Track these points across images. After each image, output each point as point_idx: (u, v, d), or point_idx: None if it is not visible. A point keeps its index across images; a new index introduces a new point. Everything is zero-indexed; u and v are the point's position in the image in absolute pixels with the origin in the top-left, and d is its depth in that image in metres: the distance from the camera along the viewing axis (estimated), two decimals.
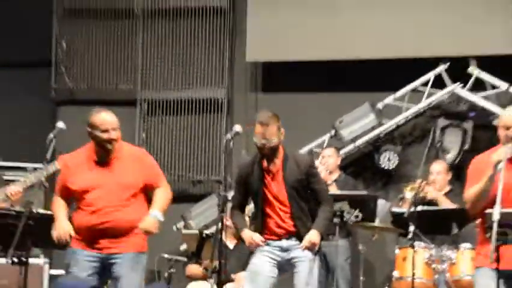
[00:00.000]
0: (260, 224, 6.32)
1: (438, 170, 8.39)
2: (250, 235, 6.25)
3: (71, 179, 6.12)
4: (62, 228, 6.04)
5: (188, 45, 10.26)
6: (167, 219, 8.68)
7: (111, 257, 6.05)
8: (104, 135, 6.01)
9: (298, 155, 6.52)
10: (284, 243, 6.26)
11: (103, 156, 6.08)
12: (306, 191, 6.29)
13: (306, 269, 6.23)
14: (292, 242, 6.24)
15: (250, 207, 6.79)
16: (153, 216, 5.98)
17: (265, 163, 6.23)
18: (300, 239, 6.22)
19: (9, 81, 10.56)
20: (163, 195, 6.13)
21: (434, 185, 8.23)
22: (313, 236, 6.19)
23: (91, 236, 6.06)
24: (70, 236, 6.05)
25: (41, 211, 6.68)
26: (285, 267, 6.32)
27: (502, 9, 9.20)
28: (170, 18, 10.33)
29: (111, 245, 6.03)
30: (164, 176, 6.30)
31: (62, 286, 2.83)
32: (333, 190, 7.98)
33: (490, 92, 9.26)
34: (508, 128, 5.62)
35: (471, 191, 5.82)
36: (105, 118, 6.01)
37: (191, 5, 10.27)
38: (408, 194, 7.88)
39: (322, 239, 6.45)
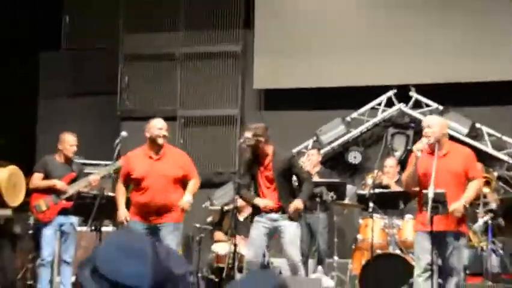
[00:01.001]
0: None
1: (390, 164, 8.37)
2: (262, 201, 6.26)
3: (132, 169, 6.17)
4: (121, 215, 6.11)
5: (213, 78, 10.20)
6: (199, 199, 8.80)
7: (157, 226, 6.11)
8: (157, 132, 6.09)
9: (282, 152, 6.51)
10: (273, 215, 6.27)
11: (155, 152, 6.13)
12: (290, 177, 6.32)
13: (291, 233, 6.22)
14: (279, 214, 6.26)
15: None
16: (186, 199, 6.07)
17: (259, 157, 6.30)
18: (284, 212, 6.23)
19: (89, 104, 10.59)
20: (194, 184, 6.20)
21: (387, 175, 8.23)
22: (297, 203, 6.20)
23: (143, 211, 6.10)
24: (127, 220, 6.11)
25: (110, 194, 6.68)
26: (275, 233, 6.34)
27: (432, 46, 9.14)
28: (200, 59, 10.28)
29: (157, 217, 6.09)
30: (196, 170, 6.34)
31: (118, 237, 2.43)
32: (316, 178, 7.91)
33: (424, 109, 9.20)
34: (426, 127, 5.65)
35: (404, 174, 5.86)
36: (159, 121, 6.21)
37: (215, 50, 10.22)
38: (369, 180, 7.87)
39: (305, 207, 6.47)
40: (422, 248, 5.59)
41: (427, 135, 5.56)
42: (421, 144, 5.52)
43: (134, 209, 6.15)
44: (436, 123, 5.63)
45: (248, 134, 6.38)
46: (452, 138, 8.68)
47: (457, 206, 5.46)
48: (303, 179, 6.41)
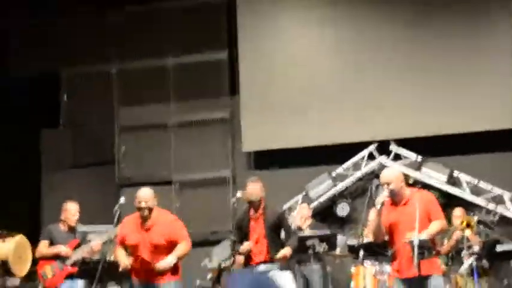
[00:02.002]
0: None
1: (372, 217, 8.35)
2: (243, 247, 6.24)
3: (125, 236, 6.06)
4: (124, 261, 5.97)
5: (204, 143, 10.24)
6: (198, 258, 8.71)
7: (155, 285, 5.98)
8: (137, 204, 5.94)
9: (273, 208, 6.49)
10: (261, 267, 6.21)
11: (144, 221, 5.99)
12: (279, 231, 6.31)
13: (285, 279, 6.16)
14: (269, 265, 6.20)
15: None
16: (167, 260, 5.83)
17: (251, 212, 6.28)
18: (272, 262, 6.19)
19: (89, 174, 10.62)
20: (181, 246, 5.92)
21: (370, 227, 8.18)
22: (285, 250, 6.17)
23: (140, 273, 6.00)
24: (128, 267, 5.99)
25: (112, 259, 6.62)
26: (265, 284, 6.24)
27: (410, 103, 9.27)
28: (191, 126, 10.34)
29: (154, 277, 5.94)
30: (187, 234, 6.05)
31: None
32: (307, 232, 7.87)
33: (404, 160, 9.27)
34: (383, 184, 5.63)
35: (370, 228, 5.81)
36: (139, 194, 5.91)
37: (204, 117, 10.30)
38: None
39: (292, 258, 6.41)
40: None
41: (387, 191, 5.54)
42: (381, 198, 5.51)
43: (133, 271, 6.06)
44: (392, 178, 5.49)
45: (254, 190, 6.32)
46: (431, 186, 8.82)
47: (423, 234, 5.30)
48: (290, 233, 6.40)
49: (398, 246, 5.41)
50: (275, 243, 6.24)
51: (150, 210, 5.89)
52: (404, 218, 5.38)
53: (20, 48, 10.83)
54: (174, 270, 5.97)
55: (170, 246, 5.94)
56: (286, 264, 6.24)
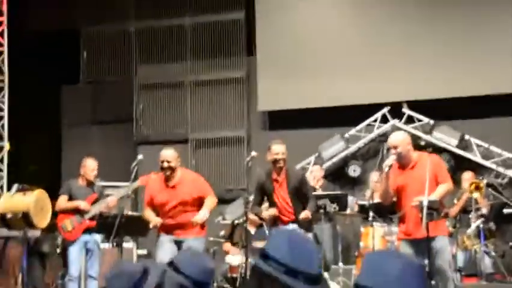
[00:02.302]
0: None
1: (374, 179, 8.32)
2: (269, 212, 6.28)
3: (153, 196, 6.19)
4: (154, 220, 6.10)
5: (220, 102, 10.30)
6: (212, 215, 8.79)
7: (181, 239, 6.12)
8: (160, 164, 6.08)
9: (295, 171, 6.58)
10: (290, 226, 6.25)
11: (169, 180, 6.13)
12: (301, 193, 6.34)
13: None
14: (294, 226, 6.24)
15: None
16: (202, 214, 6.03)
17: (274, 175, 6.27)
18: (299, 224, 6.21)
19: (107, 131, 10.71)
20: (209, 200, 6.15)
21: (375, 188, 8.17)
22: (306, 212, 6.20)
23: (168, 228, 6.12)
24: (157, 225, 6.11)
25: (129, 213, 6.71)
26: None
27: (421, 65, 9.19)
28: (207, 86, 10.39)
29: (180, 232, 6.09)
30: (211, 189, 6.28)
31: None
32: (319, 192, 7.94)
33: (416, 123, 9.24)
34: (391, 147, 5.63)
35: (379, 191, 5.81)
36: (162, 154, 6.09)
37: (221, 77, 10.32)
38: (368, 192, 7.91)
39: (311, 220, 6.46)
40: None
41: (394, 154, 5.54)
42: (389, 161, 5.52)
43: (162, 228, 6.18)
44: (399, 142, 5.51)
45: (281, 153, 6.28)
46: (443, 149, 8.82)
47: (421, 199, 5.34)
48: (309, 197, 6.43)
49: (405, 208, 5.46)
50: (298, 206, 6.28)
51: (173, 170, 6.05)
52: (411, 181, 5.42)
53: (40, 5, 10.81)
54: (200, 226, 6.12)
55: (197, 202, 6.12)
56: (308, 225, 6.28)
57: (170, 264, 2.80)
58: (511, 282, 7.34)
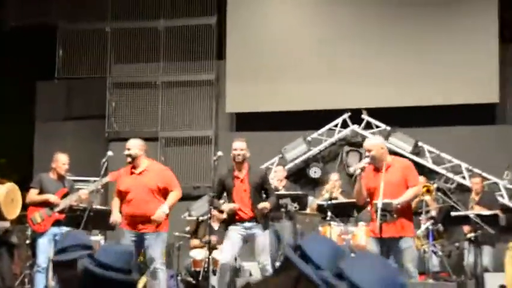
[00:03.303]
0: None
1: (335, 178, 8.36)
2: (229, 205, 6.14)
3: (119, 184, 6.09)
4: (114, 217, 5.99)
5: (190, 103, 10.21)
6: (178, 211, 8.72)
7: (143, 234, 5.98)
8: (126, 152, 6.00)
9: (257, 169, 6.51)
10: (247, 224, 6.15)
11: (134, 167, 6.02)
12: (261, 190, 6.25)
13: (263, 241, 6.14)
14: (253, 223, 6.14)
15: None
16: (161, 209, 5.86)
17: (236, 172, 6.17)
18: (256, 221, 6.11)
19: (80, 127, 10.53)
20: (173, 195, 6.00)
21: (333, 189, 8.20)
22: (265, 203, 6.10)
23: (130, 220, 5.98)
24: (117, 222, 6.00)
25: (98, 207, 6.60)
26: (248, 239, 6.23)
27: (382, 75, 9.26)
28: (178, 87, 10.28)
29: (143, 226, 5.97)
30: (177, 183, 6.15)
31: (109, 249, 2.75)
32: (282, 191, 7.90)
33: (374, 130, 9.28)
34: (366, 150, 5.67)
35: (354, 192, 5.85)
36: (128, 142, 6.05)
37: (191, 79, 10.23)
38: (326, 193, 7.93)
39: (269, 216, 6.34)
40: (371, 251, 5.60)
41: (368, 157, 5.58)
42: (361, 164, 5.55)
43: (124, 219, 6.05)
44: (373, 146, 5.56)
45: (239, 149, 6.19)
46: (398, 154, 8.87)
47: (395, 201, 5.42)
48: (271, 194, 6.33)
49: (376, 209, 5.48)
50: (257, 202, 6.14)
51: (132, 157, 5.91)
52: (384, 183, 5.43)
53: (18, 1, 10.59)
54: (163, 221, 5.98)
55: (161, 193, 5.96)
56: (265, 222, 6.18)
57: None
58: (456, 281, 7.42)
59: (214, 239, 7.01)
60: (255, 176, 6.21)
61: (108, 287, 2.36)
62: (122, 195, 6.02)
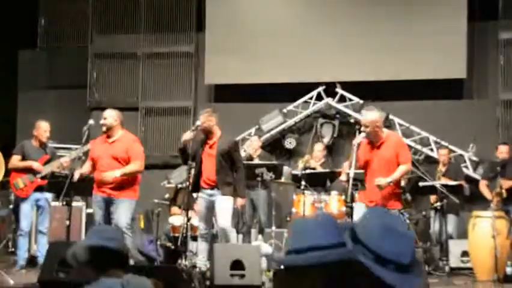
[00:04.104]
0: (198, 175, 6.21)
1: (318, 148, 8.47)
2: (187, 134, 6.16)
3: (92, 151, 6.10)
4: (78, 171, 6.04)
5: (170, 74, 10.08)
6: (158, 178, 8.70)
7: (111, 199, 5.94)
8: (101, 122, 6.00)
9: (227, 136, 6.41)
10: (209, 191, 6.17)
11: (108, 137, 6.00)
12: (228, 159, 6.19)
13: (221, 205, 6.10)
14: (214, 190, 6.13)
15: None
16: (111, 173, 5.86)
17: (206, 139, 6.19)
18: (219, 188, 6.08)
19: (62, 96, 10.33)
20: (130, 165, 5.95)
21: (316, 158, 8.30)
22: (239, 201, 6.15)
23: (99, 185, 5.99)
24: (76, 178, 5.93)
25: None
26: (213, 205, 6.19)
27: (355, 49, 9.24)
28: (159, 58, 10.15)
29: (111, 191, 5.94)
30: (142, 157, 6.09)
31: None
32: (257, 161, 7.94)
33: (347, 102, 9.29)
34: (362, 125, 5.73)
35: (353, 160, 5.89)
36: (105, 112, 6.05)
37: (171, 50, 10.10)
38: (300, 164, 7.97)
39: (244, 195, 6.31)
40: (357, 214, 5.68)
41: (364, 132, 5.65)
42: (357, 140, 5.62)
43: (95, 185, 6.04)
44: (369, 122, 5.61)
45: (202, 118, 6.25)
46: None
47: (382, 181, 5.51)
48: (238, 167, 6.23)
49: (368, 180, 5.65)
50: (223, 170, 6.12)
51: (109, 127, 5.92)
52: (376, 158, 5.59)
53: None
54: (131, 189, 5.96)
55: (127, 162, 5.93)
56: (229, 191, 6.13)
57: None
58: (422, 247, 7.55)
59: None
60: (223, 143, 6.18)
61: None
62: (94, 162, 6.00)
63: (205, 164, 6.18)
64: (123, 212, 5.93)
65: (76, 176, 5.93)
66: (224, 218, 6.10)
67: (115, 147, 5.95)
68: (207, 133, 6.22)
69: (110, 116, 5.99)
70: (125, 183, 5.94)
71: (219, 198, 6.13)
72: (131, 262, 5.96)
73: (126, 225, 5.91)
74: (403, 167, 5.62)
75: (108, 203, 5.95)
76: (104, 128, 5.95)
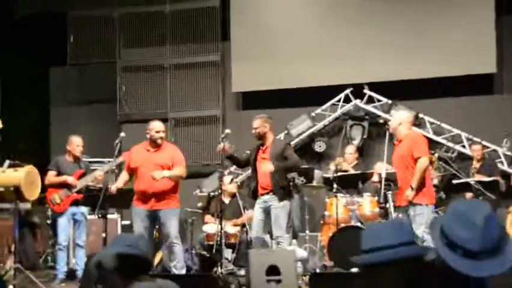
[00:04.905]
0: (255, 182, 6.24)
1: (350, 151, 8.42)
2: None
3: (131, 160, 6.17)
4: (116, 184, 6.13)
5: (197, 84, 10.15)
6: (190, 188, 8.75)
7: (157, 211, 6.04)
8: (156, 135, 6.10)
9: (280, 141, 6.63)
10: (265, 197, 6.17)
11: (153, 147, 6.12)
12: (282, 159, 6.17)
13: (276, 214, 6.11)
14: (270, 195, 6.12)
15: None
16: (162, 172, 5.97)
17: (261, 146, 6.29)
18: (274, 194, 6.08)
19: (93, 110, 10.54)
20: (177, 169, 6.10)
21: (347, 160, 8.26)
22: (268, 165, 6.09)
23: (143, 197, 6.05)
24: (116, 189, 6.05)
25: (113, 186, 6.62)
26: (269, 211, 6.19)
27: (381, 50, 9.19)
28: (185, 68, 10.22)
29: (156, 203, 6.04)
30: (185, 164, 6.26)
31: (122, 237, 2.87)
32: None
33: (376, 103, 9.23)
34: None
35: None
36: (157, 124, 6.20)
37: (197, 60, 10.18)
38: (332, 166, 7.93)
39: (287, 192, 6.26)
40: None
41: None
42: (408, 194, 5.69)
43: (136, 196, 6.11)
44: (392, 121, 5.92)
45: (256, 123, 6.29)
46: None
47: (407, 193, 5.62)
48: (290, 160, 6.22)
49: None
50: (278, 173, 6.09)
51: (162, 139, 6.13)
52: (395, 156, 5.81)
53: None
54: (174, 198, 6.07)
55: (172, 168, 6.07)
56: (282, 195, 6.13)
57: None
58: None
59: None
60: (275, 147, 6.22)
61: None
62: (133, 171, 6.07)
63: (259, 169, 6.21)
64: (173, 221, 6.05)
65: (114, 190, 6.03)
66: (280, 227, 6.11)
67: (159, 155, 6.09)
68: (260, 138, 6.24)
69: (164, 129, 6.22)
70: (168, 193, 6.05)
71: (275, 205, 6.11)
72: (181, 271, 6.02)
73: (177, 235, 6.01)
74: (419, 165, 5.63)
75: (152, 215, 6.02)
76: (160, 141, 6.11)
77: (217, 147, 6.29)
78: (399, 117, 5.91)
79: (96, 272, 2.68)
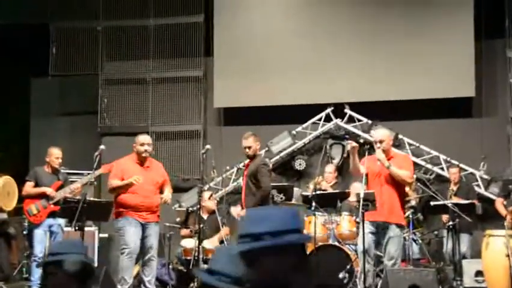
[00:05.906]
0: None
1: (329, 170, 8.47)
2: (235, 210, 6.46)
3: (125, 172, 6.15)
4: (131, 178, 6.07)
5: (179, 99, 10.19)
6: (170, 202, 8.66)
7: (146, 224, 6.12)
8: (142, 148, 6.12)
9: (260, 158, 6.57)
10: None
11: (142, 161, 6.15)
12: (256, 180, 6.23)
13: None
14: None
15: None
16: (168, 194, 6.23)
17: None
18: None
19: (73, 122, 10.52)
20: (169, 187, 6.33)
21: (327, 179, 8.30)
22: (242, 211, 6.24)
23: (135, 210, 6.09)
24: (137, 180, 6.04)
25: (91, 199, 6.62)
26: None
27: (363, 71, 9.31)
28: (168, 83, 10.26)
29: (146, 217, 6.10)
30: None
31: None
32: None
33: (356, 123, 9.33)
34: (377, 142, 5.91)
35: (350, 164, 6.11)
36: (145, 138, 6.31)
37: (180, 75, 10.22)
38: (311, 185, 7.98)
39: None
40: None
41: (380, 148, 5.86)
42: (381, 156, 5.72)
43: (127, 209, 6.11)
44: (385, 137, 5.97)
45: (248, 141, 6.29)
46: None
47: (380, 156, 5.78)
48: (259, 187, 6.27)
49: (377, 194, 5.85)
50: (251, 192, 6.18)
51: (149, 154, 6.22)
52: (383, 172, 5.85)
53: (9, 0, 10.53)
54: (158, 213, 6.17)
55: (160, 186, 6.22)
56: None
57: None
58: (435, 267, 7.51)
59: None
60: (252, 166, 6.25)
61: None
62: (130, 186, 6.07)
63: (243, 187, 6.31)
64: (157, 235, 6.22)
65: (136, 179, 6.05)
66: None
67: (153, 173, 6.20)
68: (252, 158, 6.28)
69: (151, 143, 6.30)
70: (157, 207, 6.23)
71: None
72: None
73: (156, 250, 6.06)
74: (405, 172, 5.84)
75: (142, 227, 6.11)
76: (146, 154, 6.18)
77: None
78: (390, 135, 6.04)
79: (53, 269, 2.68)
